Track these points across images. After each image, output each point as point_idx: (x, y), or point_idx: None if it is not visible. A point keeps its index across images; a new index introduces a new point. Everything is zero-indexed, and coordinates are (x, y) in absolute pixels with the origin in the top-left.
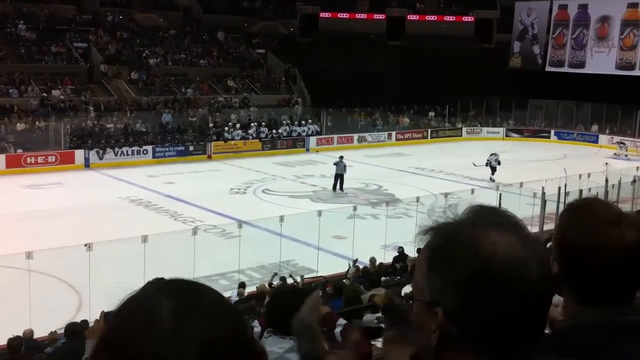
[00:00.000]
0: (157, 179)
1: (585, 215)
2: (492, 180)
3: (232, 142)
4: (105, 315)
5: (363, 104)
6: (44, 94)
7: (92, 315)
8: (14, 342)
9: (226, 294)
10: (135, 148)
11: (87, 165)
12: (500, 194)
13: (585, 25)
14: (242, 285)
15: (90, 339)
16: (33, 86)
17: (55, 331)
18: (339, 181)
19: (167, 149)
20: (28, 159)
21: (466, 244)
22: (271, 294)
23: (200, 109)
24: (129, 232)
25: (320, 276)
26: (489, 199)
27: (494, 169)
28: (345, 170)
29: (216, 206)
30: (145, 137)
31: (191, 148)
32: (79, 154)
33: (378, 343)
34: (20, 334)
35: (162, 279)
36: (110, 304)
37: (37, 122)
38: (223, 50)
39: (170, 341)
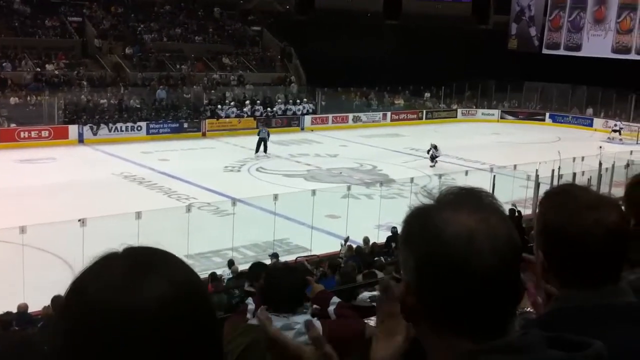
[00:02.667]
0: (151, 155)
1: (564, 200)
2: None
3: (227, 119)
4: None
5: (358, 84)
6: (38, 69)
7: None
8: (5, 317)
9: (219, 271)
10: (130, 124)
11: (80, 140)
12: (494, 176)
13: (582, 7)
14: (231, 262)
15: None
16: (27, 60)
17: (48, 306)
18: (262, 145)
19: (161, 126)
20: (21, 133)
21: (421, 222)
22: (266, 271)
23: (194, 86)
24: (122, 208)
25: (313, 255)
26: (483, 180)
27: (432, 158)
28: (268, 136)
29: (210, 184)
30: (139, 113)
31: (185, 125)
32: (73, 129)
33: (371, 321)
34: (15, 309)
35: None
36: None
37: (30, 97)
38: (218, 27)
39: (122, 298)
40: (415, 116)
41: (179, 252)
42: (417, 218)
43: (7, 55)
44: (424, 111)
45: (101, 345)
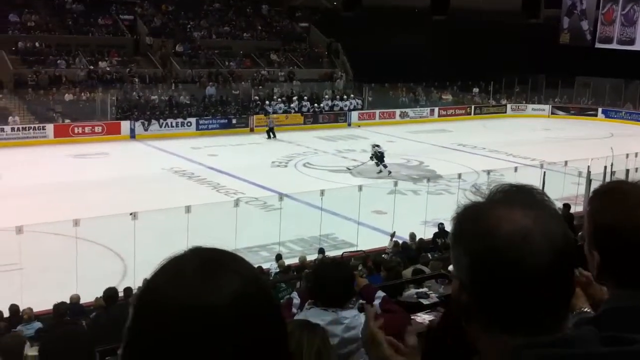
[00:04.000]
0: (200, 150)
1: (616, 198)
2: (383, 168)
3: (274, 115)
4: None
5: (405, 80)
6: (91, 66)
7: (136, 282)
8: (60, 307)
9: (265, 266)
10: (180, 120)
11: (132, 136)
12: (545, 172)
13: (636, 1)
14: (279, 257)
15: None
16: (81, 58)
17: (100, 297)
18: (270, 133)
19: (210, 122)
20: (75, 129)
21: (474, 220)
22: (314, 266)
23: (243, 82)
24: (172, 202)
25: (360, 250)
26: (533, 177)
27: (380, 158)
28: (273, 124)
29: (258, 179)
30: (189, 110)
31: (234, 121)
32: (125, 125)
33: (418, 318)
34: (67, 299)
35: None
36: None
37: (84, 93)
38: (266, 24)
39: (198, 295)
40: (463, 112)
41: (227, 246)
42: (469, 216)
43: (62, 52)
44: (473, 107)
45: (179, 342)
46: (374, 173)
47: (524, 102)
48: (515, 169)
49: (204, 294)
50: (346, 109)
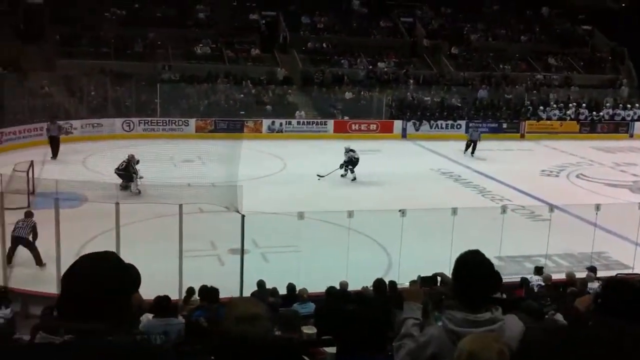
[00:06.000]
0: (468, 154)
1: None
2: (350, 174)
3: (548, 122)
4: (422, 279)
5: None
6: (371, 66)
7: (400, 276)
8: (331, 291)
9: (528, 276)
10: (450, 122)
11: (404, 135)
12: None
13: None
14: (539, 270)
15: (409, 301)
16: (362, 58)
17: (367, 287)
18: (471, 146)
19: (480, 125)
20: (353, 125)
21: None
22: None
23: (516, 86)
24: (438, 202)
25: (636, 274)
26: None
27: (354, 164)
28: (479, 138)
29: (525, 187)
30: (459, 112)
31: (504, 125)
32: (398, 124)
33: None
34: (337, 284)
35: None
36: (418, 269)
37: (362, 92)
38: (546, 26)
39: None
40: None
41: (490, 252)
42: None
43: (345, 53)
44: None
45: None
46: None
47: None
48: None
49: None
50: (629, 118)
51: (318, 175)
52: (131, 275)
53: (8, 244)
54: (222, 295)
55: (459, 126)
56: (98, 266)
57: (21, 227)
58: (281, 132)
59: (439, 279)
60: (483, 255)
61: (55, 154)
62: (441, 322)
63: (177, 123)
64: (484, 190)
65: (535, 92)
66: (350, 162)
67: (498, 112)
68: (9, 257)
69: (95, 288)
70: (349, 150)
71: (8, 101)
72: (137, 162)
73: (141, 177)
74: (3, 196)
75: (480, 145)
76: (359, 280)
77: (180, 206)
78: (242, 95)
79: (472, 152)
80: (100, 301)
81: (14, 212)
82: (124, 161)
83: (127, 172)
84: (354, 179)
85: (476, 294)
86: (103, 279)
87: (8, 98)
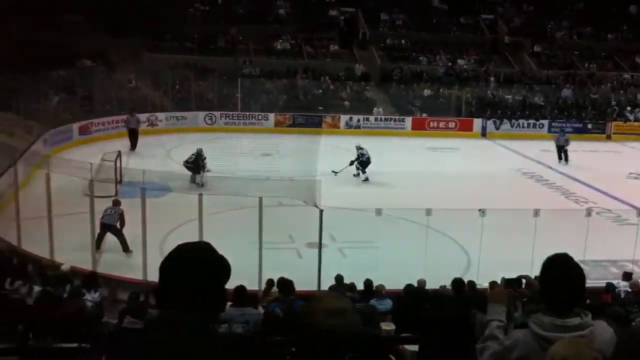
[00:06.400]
0: (551, 154)
1: None
2: (362, 174)
3: (636, 123)
4: (506, 281)
5: None
6: (450, 63)
7: (479, 277)
8: (409, 289)
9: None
10: (532, 121)
11: (483, 134)
12: None
13: None
14: (628, 276)
15: (493, 303)
16: (441, 55)
17: (444, 285)
18: (562, 153)
19: (563, 125)
20: (431, 123)
21: None
22: None
23: (602, 86)
24: (519, 203)
25: None
26: None
27: (360, 163)
28: (567, 143)
29: (611, 189)
30: (542, 111)
31: (589, 126)
32: (477, 123)
33: None
34: (414, 282)
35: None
36: (497, 270)
37: (441, 90)
38: (634, 24)
39: None
40: None
41: (574, 256)
42: None
43: (424, 50)
44: None
45: None
46: None
47: None
48: None
49: None
50: None
51: (333, 172)
52: (225, 267)
53: (97, 231)
54: (298, 288)
55: (541, 125)
56: (196, 257)
57: (109, 214)
58: (359, 128)
59: (523, 281)
60: (572, 258)
61: (134, 146)
62: (527, 325)
63: (256, 117)
64: (568, 192)
65: (622, 92)
66: (360, 162)
67: (583, 112)
68: (98, 243)
69: (194, 278)
70: (359, 148)
71: (97, 93)
72: (205, 158)
73: (208, 171)
74: (93, 184)
75: None
76: (437, 279)
77: (261, 199)
78: (320, 91)
79: (566, 160)
80: (198, 291)
81: (103, 200)
82: (192, 154)
83: (196, 165)
84: (366, 179)
85: (565, 298)
86: (201, 270)
87: (97, 90)
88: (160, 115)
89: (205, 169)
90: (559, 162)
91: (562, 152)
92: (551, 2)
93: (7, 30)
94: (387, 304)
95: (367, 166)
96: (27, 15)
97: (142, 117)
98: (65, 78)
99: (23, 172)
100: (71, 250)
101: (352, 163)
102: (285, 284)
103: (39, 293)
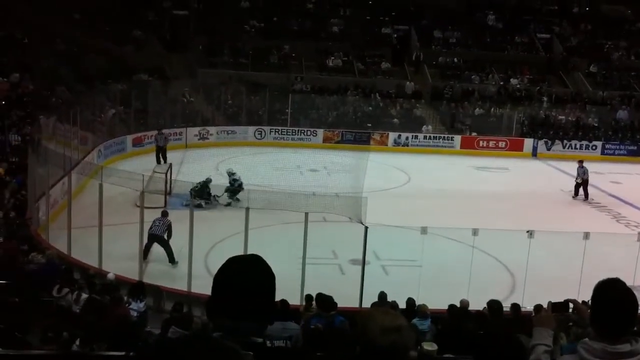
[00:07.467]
0: (602, 176)
1: None
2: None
3: None
4: (553, 305)
5: None
6: (502, 82)
7: (525, 299)
8: (453, 309)
9: None
10: (584, 142)
11: (534, 154)
12: None
13: None
14: None
15: (539, 327)
16: (493, 74)
17: (485, 308)
18: (580, 188)
19: (617, 147)
20: (480, 142)
21: None
22: None
23: None
24: (568, 226)
25: None
26: None
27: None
28: (584, 175)
29: None
30: (595, 132)
31: None
32: (528, 143)
33: None
34: (457, 303)
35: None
36: (543, 293)
37: (493, 108)
38: None
39: None
40: None
41: (625, 280)
42: None
43: (476, 68)
44: None
45: None
46: None
47: None
48: None
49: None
50: None
51: (215, 196)
52: (275, 279)
53: (145, 241)
54: (341, 304)
55: (594, 147)
56: (249, 270)
57: (158, 225)
58: (407, 145)
59: (570, 305)
60: (624, 283)
61: (159, 163)
62: (576, 351)
63: (305, 133)
64: (619, 215)
65: None
66: (232, 190)
67: (638, 135)
68: (145, 253)
69: (247, 291)
70: (231, 174)
71: (152, 106)
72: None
73: (217, 197)
74: (143, 195)
75: (616, 168)
76: (481, 300)
77: (306, 214)
78: (370, 108)
79: (586, 196)
80: (250, 303)
81: (152, 211)
82: (199, 183)
83: (200, 194)
84: (228, 204)
85: (617, 324)
86: (254, 283)
87: (152, 103)
88: (212, 129)
89: (212, 199)
90: (574, 197)
91: (580, 187)
92: (609, 21)
93: (81, 45)
94: (427, 323)
95: (238, 193)
96: (98, 31)
97: (194, 130)
98: (122, 91)
99: (77, 182)
100: (119, 259)
101: (227, 190)
102: (324, 300)
103: (86, 300)
